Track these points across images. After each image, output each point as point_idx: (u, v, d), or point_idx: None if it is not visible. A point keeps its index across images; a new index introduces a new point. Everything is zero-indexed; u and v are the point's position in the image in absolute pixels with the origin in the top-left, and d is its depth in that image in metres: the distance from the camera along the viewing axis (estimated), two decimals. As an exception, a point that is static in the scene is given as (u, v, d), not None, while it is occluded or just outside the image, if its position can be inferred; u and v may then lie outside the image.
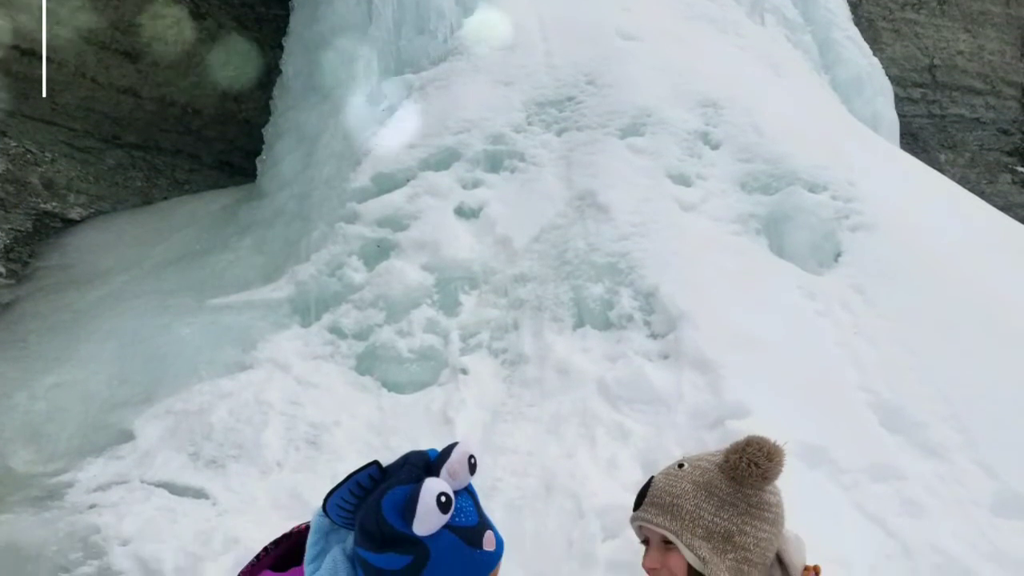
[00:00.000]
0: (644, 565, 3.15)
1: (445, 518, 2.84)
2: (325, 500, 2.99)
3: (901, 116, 21.52)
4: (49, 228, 16.52)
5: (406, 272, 12.07)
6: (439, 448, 3.05)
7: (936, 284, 11.25)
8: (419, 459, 3.01)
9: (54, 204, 16.64)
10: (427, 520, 2.81)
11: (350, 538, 3.04)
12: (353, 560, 3.00)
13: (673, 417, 9.54)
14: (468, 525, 2.93)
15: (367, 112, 15.04)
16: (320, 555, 3.06)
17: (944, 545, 8.23)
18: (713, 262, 11.41)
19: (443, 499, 2.82)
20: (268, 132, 17.54)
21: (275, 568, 3.27)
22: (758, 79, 15.42)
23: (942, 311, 10.88)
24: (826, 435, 9.22)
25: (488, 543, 2.96)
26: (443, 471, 2.92)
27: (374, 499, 2.89)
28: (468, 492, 3.03)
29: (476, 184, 13.21)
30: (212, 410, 10.74)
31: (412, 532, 2.82)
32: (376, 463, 3.01)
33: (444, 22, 15.56)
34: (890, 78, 21.29)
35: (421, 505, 2.79)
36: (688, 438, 9.12)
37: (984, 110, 29.39)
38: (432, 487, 2.82)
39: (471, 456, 2.99)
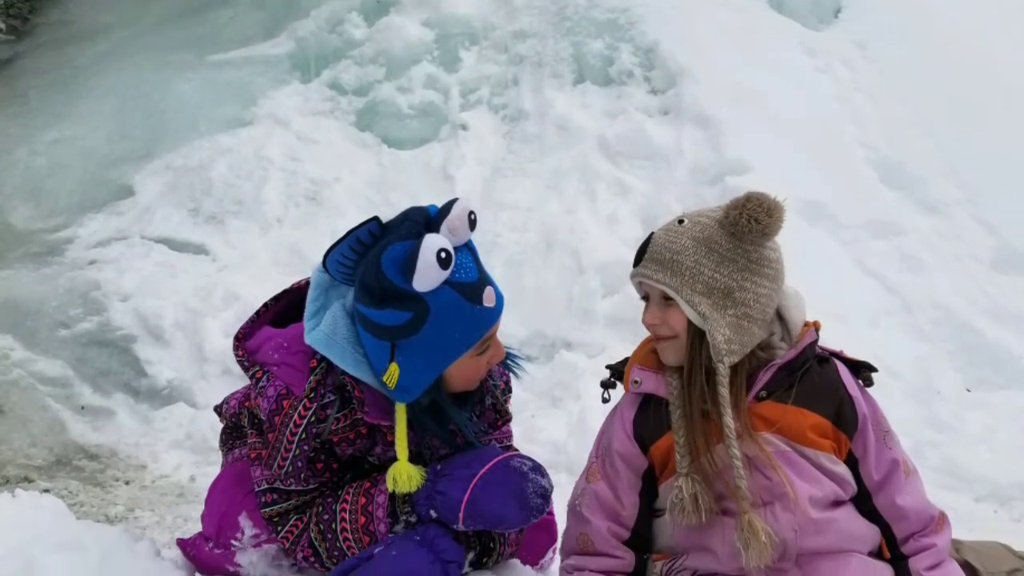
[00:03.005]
0: (644, 321, 3.18)
1: (445, 274, 2.84)
2: (325, 256, 3.00)
3: None
4: (49, -17, 16.22)
5: (406, 28, 11.88)
6: (439, 204, 3.03)
7: (936, 42, 11.09)
8: (419, 215, 3.00)
9: (53, -41, 16.29)
10: (427, 276, 2.81)
11: (350, 294, 3.05)
12: (353, 316, 3.02)
13: (673, 173, 9.54)
14: (468, 281, 2.94)
15: None
16: (320, 311, 3.08)
17: (943, 300, 8.33)
18: (713, 18, 11.23)
19: (443, 255, 2.82)
20: None
21: (275, 324, 3.30)
22: None
23: (942, 69, 10.75)
24: (826, 191, 9.24)
25: (488, 299, 2.97)
26: (443, 227, 2.91)
27: (374, 255, 2.89)
28: (468, 248, 3.03)
29: (475, -60, 12.91)
30: (212, 166, 10.70)
31: (412, 288, 2.82)
32: (376, 219, 3.00)
33: None
34: None
35: (421, 261, 2.79)
36: (688, 194, 9.14)
37: None
38: (432, 243, 2.82)
39: (471, 212, 2.98)
